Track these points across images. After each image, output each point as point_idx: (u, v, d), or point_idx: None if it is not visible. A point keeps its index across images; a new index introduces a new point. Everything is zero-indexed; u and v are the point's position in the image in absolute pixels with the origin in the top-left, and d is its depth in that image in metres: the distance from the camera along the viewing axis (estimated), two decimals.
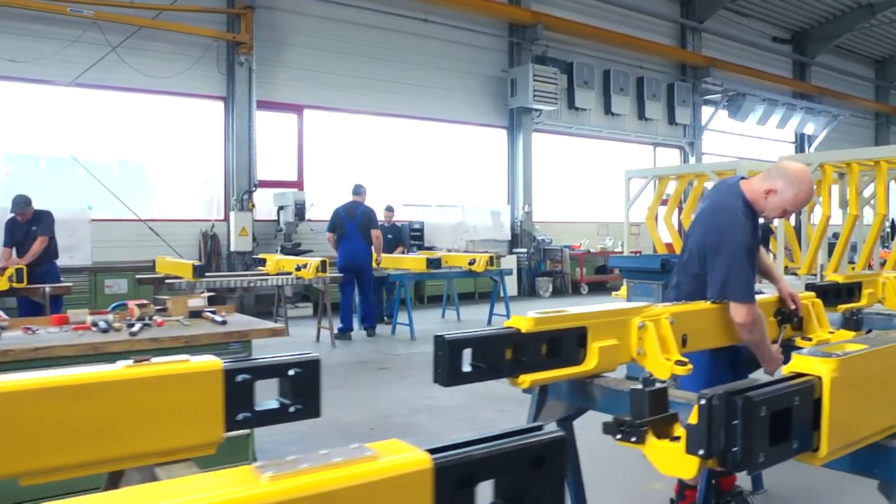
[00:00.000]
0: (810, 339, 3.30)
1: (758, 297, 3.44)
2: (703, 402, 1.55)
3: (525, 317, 2.48)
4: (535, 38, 15.86)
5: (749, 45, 21.27)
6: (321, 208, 13.35)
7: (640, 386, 1.76)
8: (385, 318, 11.14)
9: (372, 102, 14.35)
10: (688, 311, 3.00)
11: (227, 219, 12.66)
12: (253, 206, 12.69)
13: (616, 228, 16.02)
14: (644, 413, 1.75)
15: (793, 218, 14.81)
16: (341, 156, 14.34)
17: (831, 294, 4.56)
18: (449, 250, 14.41)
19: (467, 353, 2.37)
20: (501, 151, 16.32)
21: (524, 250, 15.56)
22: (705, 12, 19.60)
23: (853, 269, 13.71)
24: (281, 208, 12.84)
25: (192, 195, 13.05)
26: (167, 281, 8.35)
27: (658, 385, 1.77)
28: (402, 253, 11.75)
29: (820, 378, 1.68)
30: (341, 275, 9.39)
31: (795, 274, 12.68)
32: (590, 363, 2.62)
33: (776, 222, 12.83)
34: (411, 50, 14.78)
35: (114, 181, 11.73)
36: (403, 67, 14.67)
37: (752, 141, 21.68)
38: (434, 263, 9.80)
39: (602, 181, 17.72)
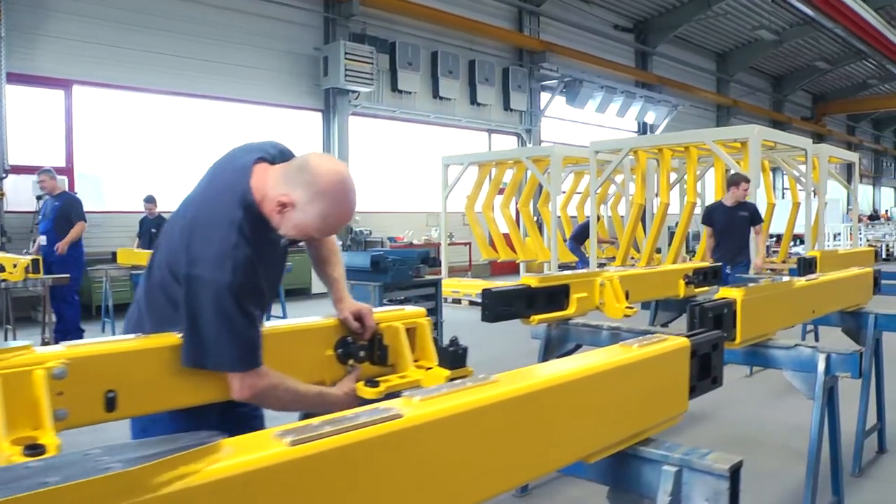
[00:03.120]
0: (377, 384, 2.24)
1: (309, 321, 2.36)
2: None
3: None
4: (351, 14, 14.64)
5: (590, 31, 20.87)
6: (95, 197, 11.72)
7: None
8: None
9: (164, 80, 12.73)
10: (116, 352, 1.86)
11: None
12: (2, 194, 10.90)
13: (449, 218, 14.88)
14: None
15: (622, 206, 14.28)
16: (128, 140, 12.66)
17: (520, 301, 3.58)
18: None
19: None
20: (316, 136, 15.02)
21: (339, 243, 14.32)
22: None
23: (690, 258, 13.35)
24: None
25: None
26: None
27: None
28: None
29: None
30: (66, 276, 7.84)
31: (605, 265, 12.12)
32: None
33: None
34: (211, 23, 13.24)
35: None
36: (203, 42, 13.12)
37: (595, 129, 21.32)
38: None
39: (431, 168, 16.72)
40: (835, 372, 3.03)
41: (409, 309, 2.50)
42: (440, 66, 16.46)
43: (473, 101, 17.52)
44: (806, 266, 5.98)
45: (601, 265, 11.56)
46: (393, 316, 2.41)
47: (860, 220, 26.43)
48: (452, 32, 16.89)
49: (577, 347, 3.87)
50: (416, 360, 2.44)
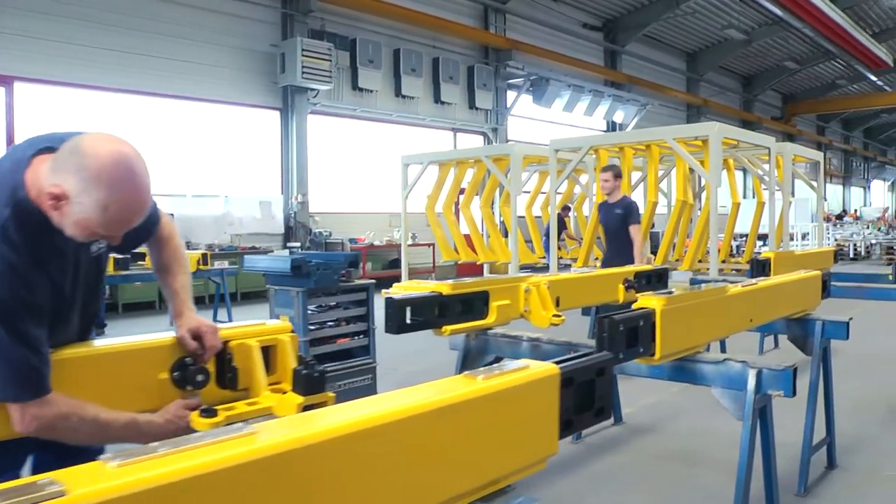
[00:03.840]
0: (214, 414, 1.91)
1: (141, 339, 2.02)
2: None
3: None
4: (309, 10, 14.25)
5: (558, 29, 20.63)
6: None
7: None
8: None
9: (111, 77, 12.27)
10: None
11: None
12: None
13: (413, 219, 14.48)
14: None
15: (587, 206, 13.93)
16: None
17: (430, 310, 3.26)
18: (209, 247, 12.80)
19: None
20: (274, 135, 14.62)
21: (298, 244, 13.98)
22: None
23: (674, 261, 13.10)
24: None
25: None
26: None
27: None
28: None
29: None
30: None
31: (568, 266, 11.86)
32: None
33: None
34: (162, 18, 12.80)
35: None
36: (153, 38, 12.67)
37: (563, 128, 21.07)
38: (121, 264, 8.06)
39: (394, 168, 16.34)
40: (767, 390, 2.74)
41: (271, 324, 2.17)
42: (403, 63, 16.12)
43: (437, 99, 17.19)
44: (759, 267, 5.73)
45: (566, 266, 11.30)
46: (246, 332, 2.08)
47: (828, 220, 26.50)
48: (415, 30, 16.55)
49: (498, 360, 3.57)
50: (276, 383, 2.11)
